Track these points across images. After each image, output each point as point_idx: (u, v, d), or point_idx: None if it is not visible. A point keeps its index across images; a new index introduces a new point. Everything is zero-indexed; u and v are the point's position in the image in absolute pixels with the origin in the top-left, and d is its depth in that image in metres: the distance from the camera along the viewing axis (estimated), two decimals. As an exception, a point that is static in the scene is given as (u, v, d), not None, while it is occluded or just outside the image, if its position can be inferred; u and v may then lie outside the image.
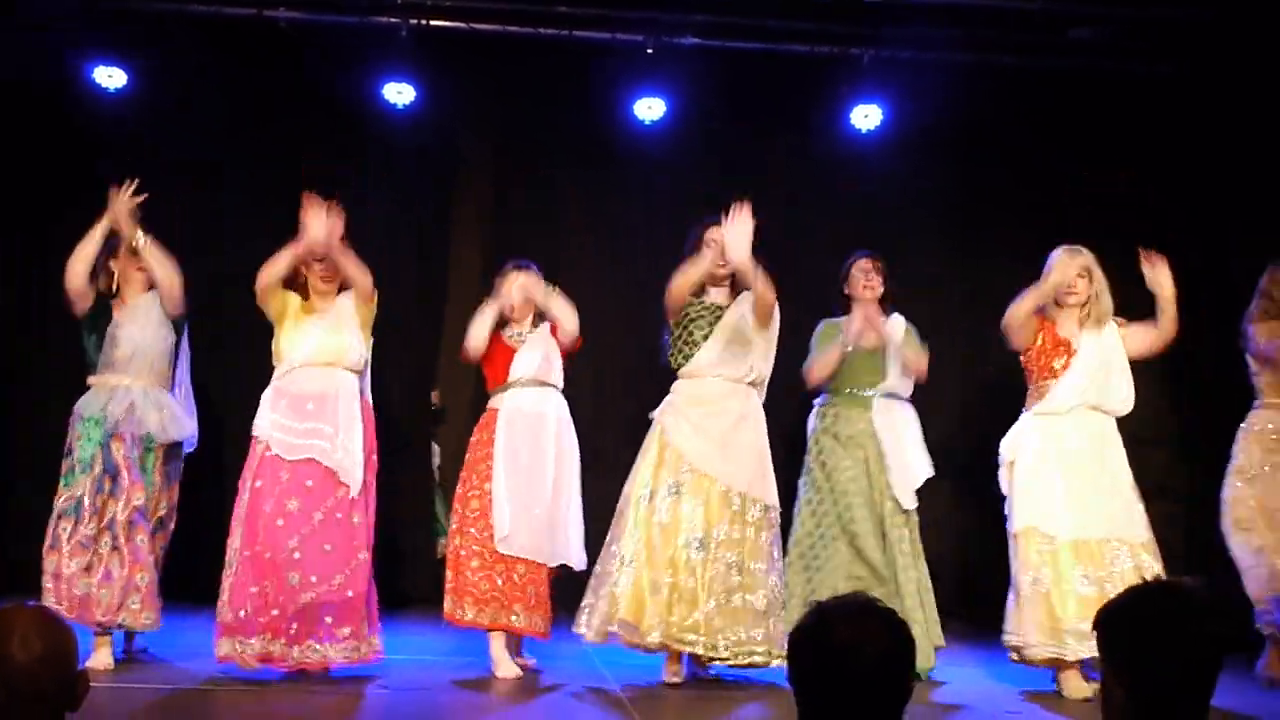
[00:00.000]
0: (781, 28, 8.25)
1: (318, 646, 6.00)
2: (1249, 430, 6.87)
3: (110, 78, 8.11)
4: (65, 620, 2.57)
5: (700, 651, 6.21)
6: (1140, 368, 7.01)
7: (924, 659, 6.47)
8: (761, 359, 6.56)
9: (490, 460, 6.48)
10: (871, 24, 8.15)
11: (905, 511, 6.80)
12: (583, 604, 6.47)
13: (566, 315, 6.57)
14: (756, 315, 6.48)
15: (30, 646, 2.42)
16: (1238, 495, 6.82)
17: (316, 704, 5.74)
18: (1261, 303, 6.92)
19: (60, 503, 6.25)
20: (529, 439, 6.52)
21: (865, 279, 6.91)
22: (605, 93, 8.44)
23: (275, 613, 5.95)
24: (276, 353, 6.34)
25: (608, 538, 6.50)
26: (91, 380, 6.44)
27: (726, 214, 6.29)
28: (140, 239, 6.36)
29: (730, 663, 6.25)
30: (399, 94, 8.23)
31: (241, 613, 5.95)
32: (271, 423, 6.19)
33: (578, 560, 6.58)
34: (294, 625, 5.96)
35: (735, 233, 6.27)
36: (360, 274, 6.34)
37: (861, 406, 6.88)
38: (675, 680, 6.26)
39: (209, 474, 7.53)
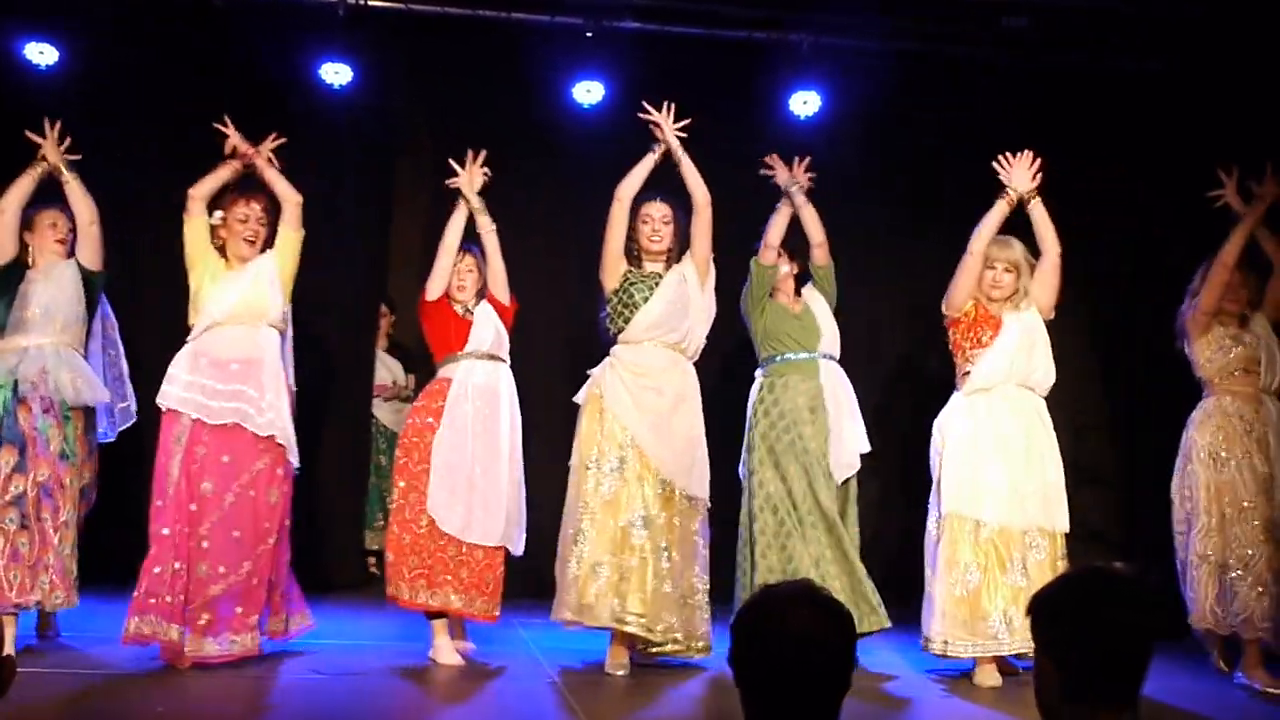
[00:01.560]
0: (721, 13, 8.24)
1: (234, 638, 5.95)
2: (1202, 420, 6.85)
3: (41, 54, 7.98)
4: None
5: (639, 633, 6.20)
6: (1086, 354, 7.08)
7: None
8: (699, 324, 6.56)
9: (435, 431, 6.36)
10: (811, 10, 8.16)
11: (843, 483, 6.78)
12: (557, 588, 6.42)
13: (498, 267, 6.64)
14: (695, 258, 6.54)
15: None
16: (1191, 483, 6.82)
17: (247, 688, 5.70)
18: (1193, 300, 6.98)
19: None
20: (482, 413, 6.44)
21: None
22: (544, 75, 8.40)
23: (182, 600, 5.88)
24: (195, 309, 6.21)
25: (563, 515, 6.45)
26: (0, 344, 6.21)
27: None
28: (67, 174, 6.31)
29: (658, 650, 6.27)
30: (336, 74, 8.15)
31: (153, 600, 5.86)
32: (187, 385, 6.05)
33: (516, 545, 6.52)
34: (204, 617, 5.90)
35: (662, 122, 6.62)
36: (290, 192, 6.34)
37: (807, 372, 6.80)
38: (619, 671, 6.20)
39: (138, 448, 7.42)
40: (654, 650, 6.31)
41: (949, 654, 6.35)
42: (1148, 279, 8.66)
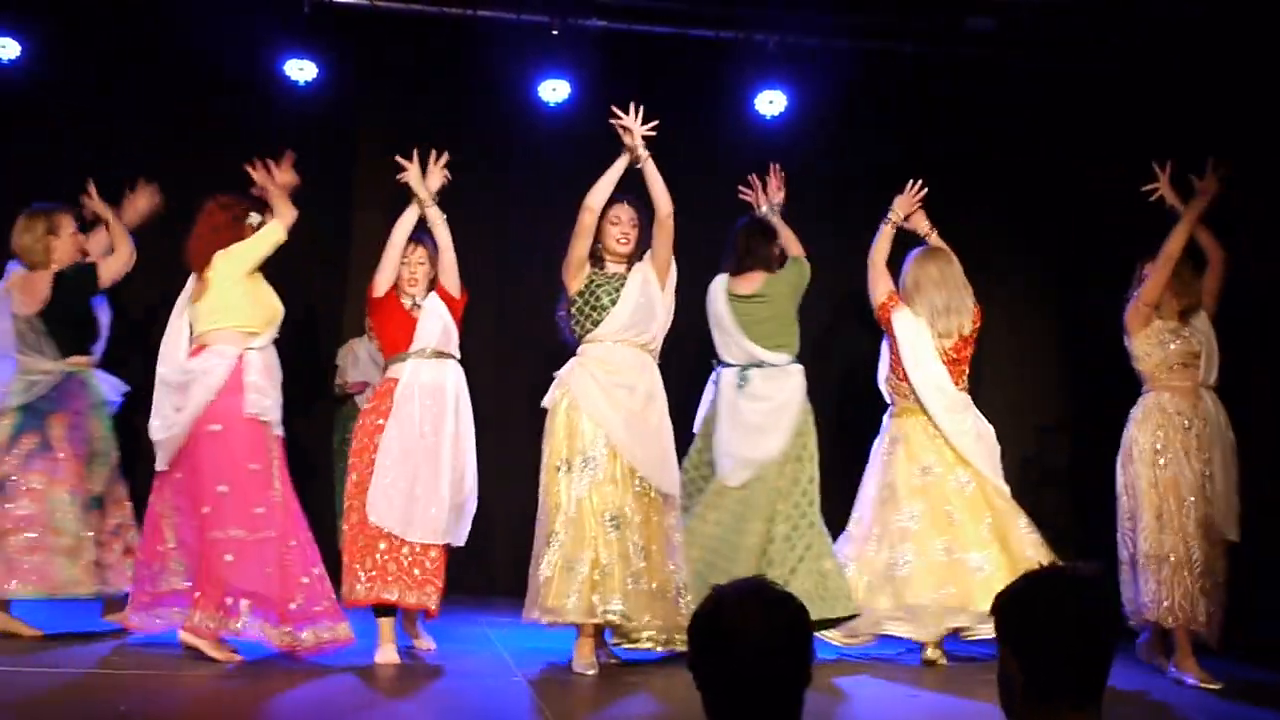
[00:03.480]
0: (687, 11, 8.26)
1: (306, 630, 6.09)
2: (1143, 417, 6.91)
3: (3, 49, 7.92)
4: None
5: (619, 623, 6.20)
6: (1042, 355, 7.12)
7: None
8: (661, 326, 6.57)
9: (383, 432, 6.36)
10: (777, 9, 8.18)
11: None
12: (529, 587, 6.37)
13: (449, 259, 6.60)
14: (656, 261, 6.52)
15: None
16: (1133, 480, 6.88)
17: (210, 690, 5.66)
18: (1137, 293, 7.03)
19: None
20: (427, 412, 6.39)
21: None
22: (509, 73, 8.39)
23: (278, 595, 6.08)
24: (264, 314, 6.35)
25: (537, 518, 6.42)
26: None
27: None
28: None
29: (628, 645, 6.25)
30: (300, 71, 8.12)
31: (256, 594, 6.05)
32: (275, 398, 6.28)
33: (460, 538, 6.48)
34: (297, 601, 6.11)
35: (632, 127, 6.47)
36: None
37: (784, 378, 6.96)
38: (588, 671, 6.14)
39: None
40: (634, 643, 6.28)
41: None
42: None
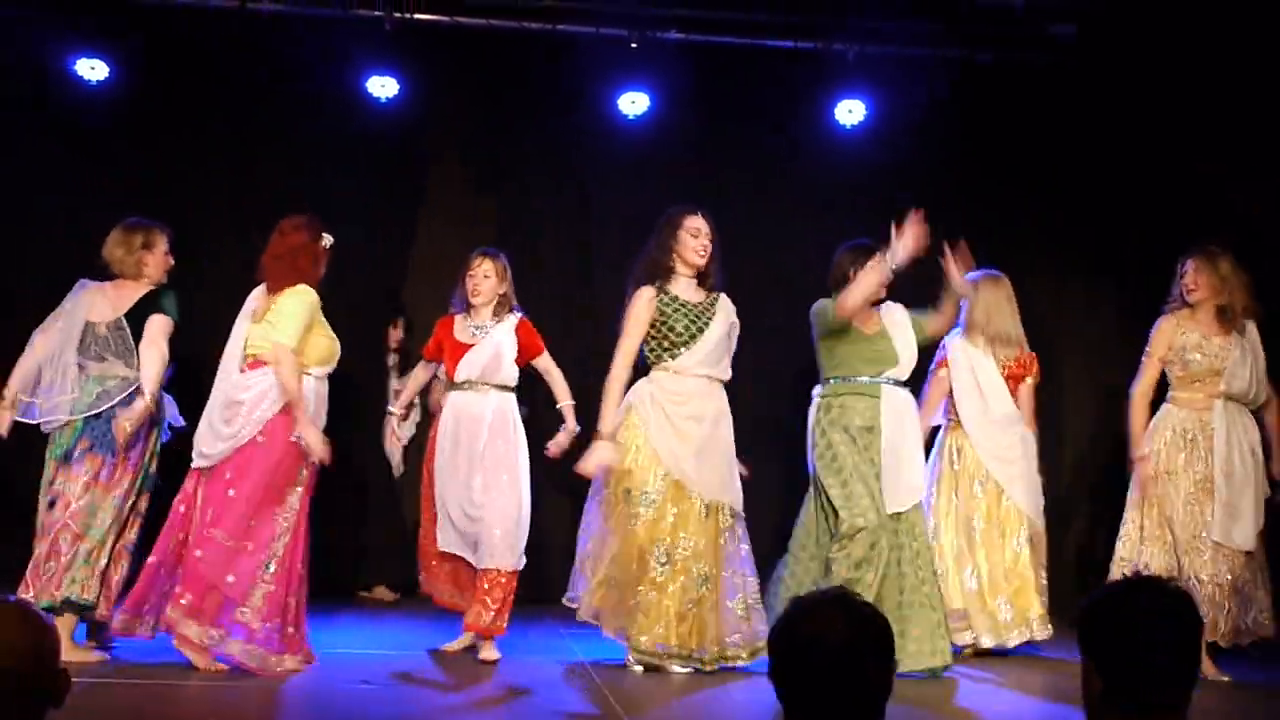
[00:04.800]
0: (766, 22, 8.28)
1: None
2: (1154, 429, 6.82)
3: (92, 70, 8.08)
4: (46, 617, 2.54)
5: (661, 664, 6.21)
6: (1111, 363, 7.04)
7: (938, 657, 6.35)
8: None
9: (433, 461, 6.67)
10: (856, 18, 8.17)
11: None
12: (571, 578, 6.46)
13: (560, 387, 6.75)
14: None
15: (13, 644, 2.40)
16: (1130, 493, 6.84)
17: (296, 698, 5.71)
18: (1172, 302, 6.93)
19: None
20: (462, 442, 6.54)
21: None
22: (589, 87, 8.44)
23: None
24: (316, 355, 6.11)
25: (586, 518, 6.47)
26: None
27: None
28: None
29: (702, 670, 6.24)
30: (382, 87, 8.22)
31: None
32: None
33: (510, 562, 6.44)
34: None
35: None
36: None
37: (868, 395, 6.57)
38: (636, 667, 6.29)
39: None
40: (706, 670, 6.26)
41: None
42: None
